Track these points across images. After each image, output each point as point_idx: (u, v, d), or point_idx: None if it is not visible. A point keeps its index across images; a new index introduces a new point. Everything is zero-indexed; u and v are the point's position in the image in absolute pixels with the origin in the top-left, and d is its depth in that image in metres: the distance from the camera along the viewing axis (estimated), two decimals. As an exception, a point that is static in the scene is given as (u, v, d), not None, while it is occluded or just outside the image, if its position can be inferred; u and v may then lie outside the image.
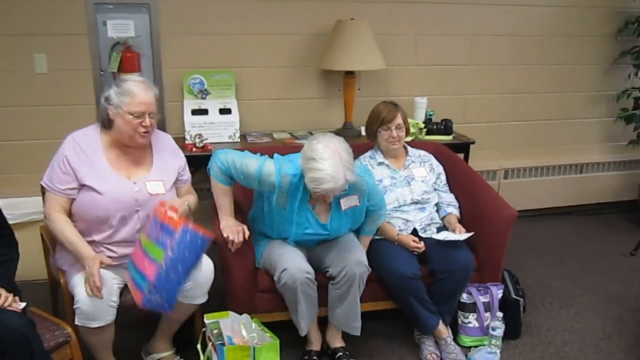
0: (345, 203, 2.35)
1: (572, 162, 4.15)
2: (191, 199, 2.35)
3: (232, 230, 2.26)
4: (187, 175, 2.39)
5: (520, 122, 4.02)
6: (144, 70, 3.27)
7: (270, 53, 3.43)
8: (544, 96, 4.02)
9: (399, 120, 2.70)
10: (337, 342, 2.50)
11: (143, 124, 2.10)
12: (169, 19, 3.23)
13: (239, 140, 3.27)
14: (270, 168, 2.25)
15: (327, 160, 2.09)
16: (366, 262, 2.37)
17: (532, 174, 4.08)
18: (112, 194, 2.09)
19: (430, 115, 3.64)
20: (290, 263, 2.27)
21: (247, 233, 2.27)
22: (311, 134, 3.44)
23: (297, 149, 2.98)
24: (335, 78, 3.51)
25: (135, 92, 2.09)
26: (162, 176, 2.22)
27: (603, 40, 3.99)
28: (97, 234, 2.11)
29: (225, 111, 3.28)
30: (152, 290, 1.92)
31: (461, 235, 2.56)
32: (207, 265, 2.21)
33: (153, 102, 2.14)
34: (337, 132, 3.39)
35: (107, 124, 2.15)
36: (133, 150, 2.20)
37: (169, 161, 2.29)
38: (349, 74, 3.39)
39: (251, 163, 2.27)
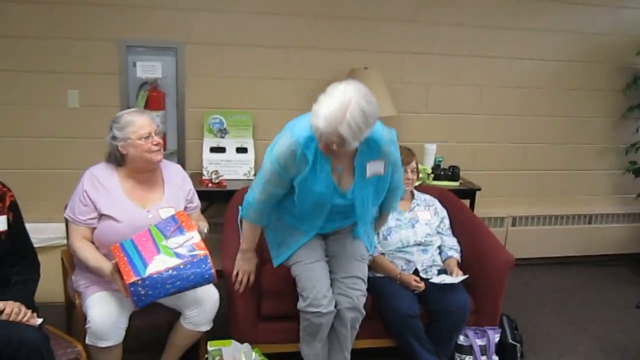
0: (371, 168, 2.19)
1: (580, 212, 4.21)
2: (204, 225, 2.49)
3: (244, 270, 2.39)
4: (196, 202, 2.52)
5: (529, 171, 4.12)
6: (168, 109, 3.50)
7: (287, 97, 3.62)
8: (553, 147, 4.12)
9: (414, 164, 2.85)
10: None
11: (153, 142, 2.27)
12: (194, 62, 3.46)
13: (253, 177, 3.42)
14: (282, 145, 2.13)
15: (333, 99, 1.91)
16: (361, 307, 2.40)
17: (540, 222, 4.15)
18: (129, 221, 2.25)
19: (440, 161, 3.76)
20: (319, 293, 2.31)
21: (252, 279, 2.40)
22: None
23: None
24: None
25: (134, 119, 2.27)
26: (173, 202, 2.37)
27: (612, 94, 4.11)
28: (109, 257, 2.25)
29: (241, 150, 3.46)
30: (145, 281, 1.96)
31: (457, 278, 2.64)
32: (213, 294, 2.33)
33: (152, 122, 2.32)
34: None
35: (120, 160, 2.32)
36: (146, 180, 2.36)
37: (178, 188, 2.44)
38: (361, 119, 3.55)
39: (266, 172, 2.22)
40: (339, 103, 1.89)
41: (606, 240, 4.28)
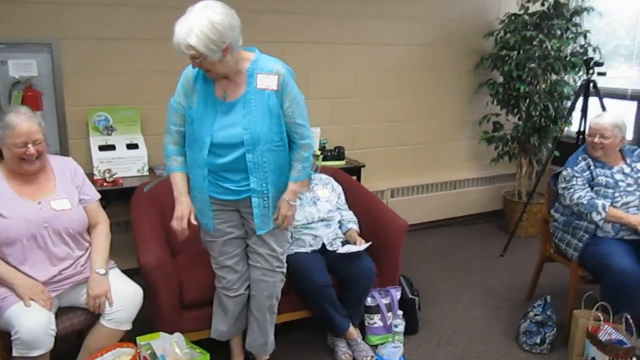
0: (262, 80, 2.22)
1: (446, 179, 4.72)
2: (102, 235, 2.43)
3: (180, 214, 2.31)
4: (92, 194, 2.45)
5: (402, 146, 4.53)
6: (47, 109, 3.31)
7: (173, 89, 3.60)
8: (420, 122, 4.57)
9: None
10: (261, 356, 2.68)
11: (27, 152, 2.19)
12: (71, 58, 3.31)
13: (147, 173, 3.40)
14: (184, 73, 2.30)
15: (184, 17, 2.04)
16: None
17: (414, 192, 4.59)
18: (18, 215, 2.18)
19: (324, 143, 4.01)
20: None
21: (193, 220, 2.31)
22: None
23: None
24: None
25: (15, 123, 2.17)
26: (66, 195, 2.33)
27: (465, 73, 4.65)
28: (11, 257, 2.17)
29: (132, 146, 3.40)
30: None
31: (361, 246, 2.89)
32: (136, 292, 2.33)
33: (36, 130, 2.21)
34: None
35: (1, 154, 2.23)
36: (34, 176, 2.28)
37: (69, 181, 2.38)
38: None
39: (168, 116, 2.34)
40: (186, 18, 2.04)
41: (470, 202, 4.86)
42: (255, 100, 2.22)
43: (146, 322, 2.50)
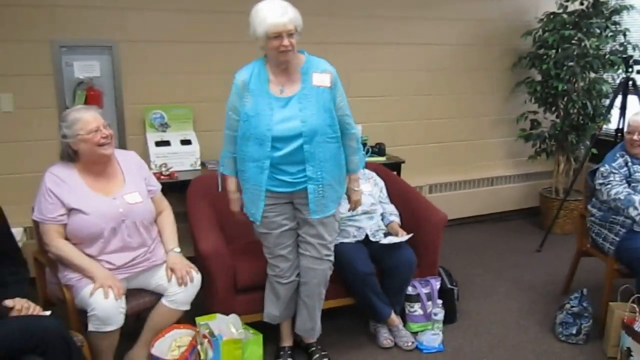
0: (317, 78, 2.44)
1: (483, 176, 4.82)
2: (169, 219, 2.67)
3: (234, 211, 2.69)
4: (156, 185, 2.68)
5: (438, 143, 4.65)
6: (107, 107, 3.54)
7: (224, 89, 3.74)
8: (456, 121, 4.68)
9: None
10: (309, 339, 2.86)
11: (102, 136, 2.38)
12: (130, 59, 3.55)
13: (199, 167, 3.61)
14: (234, 81, 2.49)
15: (267, 2, 2.33)
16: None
17: (451, 188, 4.70)
18: (97, 211, 2.38)
19: (365, 140, 4.15)
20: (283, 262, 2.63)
21: (242, 218, 2.66)
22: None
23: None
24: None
25: (81, 116, 2.37)
26: (136, 187, 2.53)
27: (502, 72, 4.73)
28: (92, 248, 2.38)
29: (186, 142, 3.62)
30: None
31: (403, 237, 3.03)
32: (195, 275, 2.53)
33: (99, 116, 2.42)
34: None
35: (73, 156, 2.42)
36: (104, 170, 2.48)
37: (136, 173, 2.59)
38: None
39: (227, 114, 2.53)
40: (270, 4, 2.32)
41: (506, 199, 4.94)
42: (311, 96, 2.42)
43: (200, 304, 2.70)
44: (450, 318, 3.14)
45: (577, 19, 4.30)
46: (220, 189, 2.78)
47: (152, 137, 3.58)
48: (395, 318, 3.00)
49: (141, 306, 2.50)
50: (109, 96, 3.57)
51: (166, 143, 3.56)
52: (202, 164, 3.66)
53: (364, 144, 4.12)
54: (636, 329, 2.65)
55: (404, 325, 3.03)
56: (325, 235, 2.61)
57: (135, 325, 2.58)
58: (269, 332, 2.77)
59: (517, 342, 3.00)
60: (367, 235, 3.09)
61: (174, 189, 3.37)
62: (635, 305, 2.75)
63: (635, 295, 2.77)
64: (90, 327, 2.24)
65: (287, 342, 2.84)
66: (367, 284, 2.89)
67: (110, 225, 2.40)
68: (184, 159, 3.57)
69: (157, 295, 2.51)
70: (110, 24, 3.47)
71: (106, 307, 2.23)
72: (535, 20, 4.55)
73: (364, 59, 4.22)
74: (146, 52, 3.59)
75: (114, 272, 2.39)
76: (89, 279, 2.32)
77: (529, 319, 3.24)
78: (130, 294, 2.45)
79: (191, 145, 3.61)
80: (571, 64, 4.29)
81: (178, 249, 2.57)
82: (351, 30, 4.12)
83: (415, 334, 3.02)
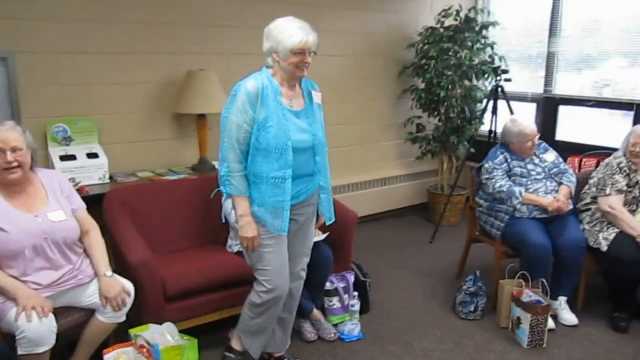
0: (316, 96, 2.57)
1: (378, 177, 5.19)
2: (98, 240, 2.60)
3: (249, 237, 2.46)
4: (79, 203, 2.63)
5: (338, 148, 4.92)
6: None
7: (129, 100, 3.79)
8: (352, 126, 5.00)
9: None
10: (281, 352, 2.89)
11: (5, 160, 2.30)
12: (28, 71, 3.40)
13: (108, 180, 3.55)
14: (246, 88, 2.37)
15: (292, 19, 2.41)
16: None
17: (349, 189, 5.01)
18: (18, 229, 2.31)
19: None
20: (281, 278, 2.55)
21: (257, 244, 2.49)
22: (171, 170, 3.86)
23: (164, 184, 3.45)
24: (188, 120, 3.99)
25: None
26: (59, 206, 2.49)
27: (390, 80, 5.14)
28: (14, 269, 2.31)
29: (92, 155, 3.54)
30: None
31: (320, 237, 3.24)
32: (129, 287, 2.54)
33: (14, 138, 2.31)
34: (194, 167, 3.90)
35: None
36: (25, 190, 2.42)
37: (59, 192, 2.54)
38: (201, 116, 3.90)
39: (228, 132, 2.39)
40: (297, 19, 2.42)
41: (399, 196, 5.36)
42: (314, 112, 2.55)
43: (131, 315, 2.69)
44: (364, 308, 3.41)
45: (452, 33, 4.82)
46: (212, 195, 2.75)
47: (56, 151, 3.46)
48: (317, 313, 3.20)
49: (71, 323, 2.45)
50: (4, 110, 3.39)
51: (71, 157, 3.46)
52: (111, 177, 3.60)
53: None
54: (523, 299, 3.09)
55: (325, 319, 3.24)
56: (311, 243, 2.77)
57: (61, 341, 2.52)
58: (203, 337, 2.83)
59: (425, 323, 3.34)
60: (286, 237, 3.26)
61: (86, 203, 3.29)
62: (521, 280, 3.20)
63: (520, 272, 3.23)
64: (20, 351, 2.18)
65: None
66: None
67: (32, 242, 2.34)
68: (92, 173, 3.49)
69: (89, 311, 2.49)
70: (4, 34, 3.31)
71: (37, 328, 2.19)
72: (416, 34, 5.01)
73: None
74: (45, 63, 3.46)
75: (40, 291, 2.33)
76: (12, 300, 2.25)
77: (432, 302, 3.60)
78: (59, 312, 2.39)
79: (98, 158, 3.54)
80: (449, 73, 4.79)
81: (110, 272, 2.52)
82: (253, 41, 4.25)
83: (335, 325, 3.24)
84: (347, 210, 3.41)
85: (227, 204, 2.99)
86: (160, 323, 2.64)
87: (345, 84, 4.86)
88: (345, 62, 4.82)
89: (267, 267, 2.53)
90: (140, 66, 3.79)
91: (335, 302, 3.29)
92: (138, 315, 2.71)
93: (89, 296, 2.48)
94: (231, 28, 4.14)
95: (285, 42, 2.36)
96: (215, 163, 4.00)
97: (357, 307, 3.27)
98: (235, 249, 3.22)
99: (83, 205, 2.65)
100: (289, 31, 2.36)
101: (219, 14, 4.06)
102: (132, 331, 2.55)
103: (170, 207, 3.36)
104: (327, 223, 2.71)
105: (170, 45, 3.88)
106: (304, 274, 2.77)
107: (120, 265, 2.78)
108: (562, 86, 4.98)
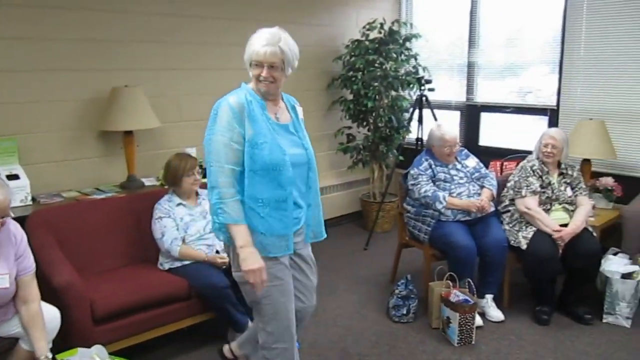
0: (299, 112, 2.41)
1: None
2: (39, 317, 2.36)
3: (256, 268, 2.15)
4: (29, 266, 2.41)
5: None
6: None
7: (52, 119, 3.67)
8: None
9: (197, 167, 3.33)
10: None
11: None
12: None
13: (31, 202, 3.42)
14: (223, 113, 2.17)
15: (264, 31, 2.20)
16: None
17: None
18: None
19: (201, 162, 4.29)
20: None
21: (264, 276, 2.19)
22: (98, 189, 3.78)
23: (91, 203, 3.37)
24: (115, 137, 3.91)
25: None
26: (7, 269, 2.32)
27: (320, 92, 5.23)
28: None
29: (12, 177, 3.40)
30: None
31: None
32: (54, 314, 2.46)
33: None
34: (122, 185, 3.83)
35: None
36: None
37: (13, 251, 2.36)
38: (128, 133, 3.84)
39: (216, 154, 2.16)
40: (271, 30, 2.20)
41: (334, 205, 5.43)
42: (301, 127, 2.37)
43: (58, 339, 2.61)
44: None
45: (377, 46, 4.97)
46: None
47: (-27, 174, 3.31)
48: (252, 325, 3.19)
49: (-5, 351, 2.36)
50: None
51: (-10, 179, 3.32)
52: (34, 199, 3.47)
53: (200, 166, 4.26)
54: (452, 300, 3.22)
55: (261, 331, 3.24)
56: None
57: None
58: (137, 358, 2.78)
59: (361, 329, 3.41)
60: (217, 251, 3.25)
61: (6, 227, 3.17)
62: (449, 282, 3.33)
63: (449, 273, 3.36)
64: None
65: None
66: (225, 296, 3.05)
67: None
68: (12, 195, 3.35)
69: (13, 339, 2.40)
70: None
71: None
72: (343, 46, 5.14)
73: (192, 83, 4.36)
74: (-42, 83, 3.32)
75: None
76: None
77: (368, 308, 3.68)
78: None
79: (19, 180, 3.40)
80: (376, 84, 4.94)
81: (50, 355, 2.37)
82: (180, 56, 4.24)
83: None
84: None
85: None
86: (89, 346, 2.57)
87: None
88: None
89: (274, 313, 2.29)
90: (63, 83, 3.69)
91: (270, 313, 3.30)
92: (66, 339, 2.63)
93: (13, 325, 2.39)
94: (159, 44, 4.10)
95: (246, 52, 2.24)
96: (145, 180, 3.96)
97: (292, 317, 3.29)
98: (167, 266, 3.20)
99: (32, 268, 2.44)
100: (251, 41, 2.22)
101: (145, 30, 4.02)
102: (60, 357, 2.47)
103: (98, 227, 3.29)
104: (322, 237, 2.52)
105: (94, 61, 3.80)
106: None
107: (45, 289, 2.69)
108: (485, 94, 5.23)
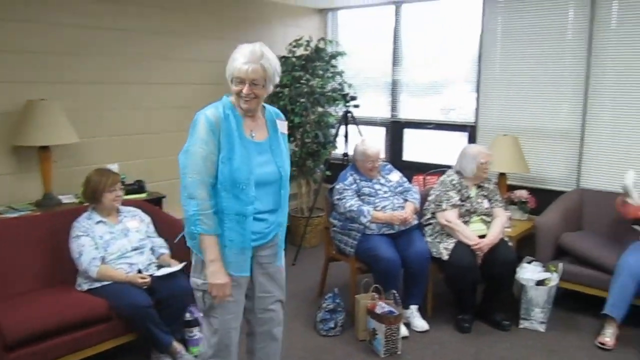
0: (281, 126, 2.40)
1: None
2: None
3: (220, 283, 2.23)
4: None
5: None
6: None
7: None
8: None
9: (119, 183, 3.24)
10: None
11: None
12: None
13: None
14: (206, 117, 2.21)
15: (246, 46, 2.21)
16: None
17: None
18: None
19: (123, 178, 4.16)
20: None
21: (229, 292, 2.26)
22: (12, 208, 3.58)
23: (3, 223, 3.22)
24: (29, 153, 3.73)
25: None
26: None
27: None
28: None
29: None
30: None
31: (176, 267, 3.19)
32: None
33: None
34: (38, 203, 3.66)
35: None
36: None
37: None
38: (44, 148, 3.67)
39: (192, 165, 2.20)
40: (253, 46, 2.20)
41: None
42: (279, 142, 2.36)
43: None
44: (227, 335, 3.38)
45: (304, 62, 5.04)
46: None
47: None
48: (177, 345, 3.11)
49: None
50: None
51: None
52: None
53: (123, 182, 4.13)
54: (377, 311, 3.28)
55: (186, 350, 3.17)
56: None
57: None
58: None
59: (289, 343, 3.38)
60: (140, 270, 3.16)
61: None
62: (375, 294, 3.39)
63: (374, 286, 3.42)
64: None
65: None
66: (148, 316, 2.96)
67: None
68: None
69: None
70: None
71: None
72: (269, 63, 5.16)
73: (116, 97, 4.25)
74: None
75: None
76: None
77: (296, 322, 3.68)
78: None
79: None
80: (303, 100, 4.99)
81: None
82: (101, 69, 4.12)
83: (197, 356, 3.18)
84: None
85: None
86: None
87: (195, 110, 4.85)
88: (198, 91, 4.83)
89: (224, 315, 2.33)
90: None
91: (195, 332, 3.24)
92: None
93: None
94: (78, 57, 3.98)
95: (227, 68, 2.25)
96: (63, 197, 3.79)
97: (219, 336, 3.23)
98: (86, 287, 3.07)
99: None
100: (234, 57, 2.22)
101: (65, 42, 3.88)
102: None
103: (11, 247, 3.13)
104: (279, 263, 2.50)
105: (7, 73, 3.62)
106: (274, 310, 2.57)
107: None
108: (409, 111, 5.40)
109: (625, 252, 3.49)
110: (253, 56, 2.18)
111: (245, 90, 2.20)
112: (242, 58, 2.19)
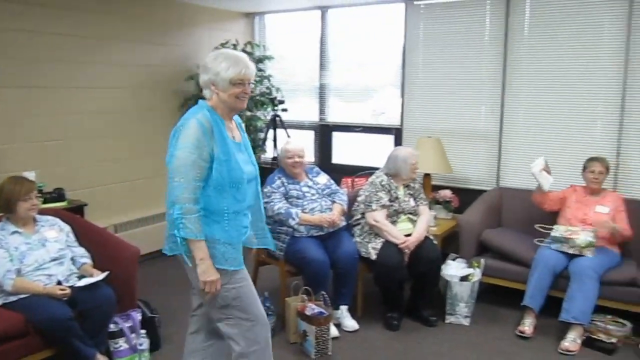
0: (243, 129, 2.57)
1: (163, 211, 5.07)
2: None
3: (212, 279, 2.28)
4: None
5: (122, 183, 4.74)
6: None
7: None
8: (136, 161, 4.87)
9: (35, 191, 3.10)
10: None
11: None
12: None
13: None
14: (198, 122, 2.23)
15: (227, 52, 2.34)
16: None
17: (139, 224, 4.83)
18: None
19: (41, 186, 3.98)
20: None
21: (219, 287, 2.31)
22: None
23: None
24: None
25: None
26: None
27: (171, 112, 5.11)
28: None
29: None
30: None
31: (98, 277, 3.08)
32: None
33: None
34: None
35: None
36: None
37: None
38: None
39: (187, 162, 2.20)
40: (235, 51, 2.38)
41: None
42: (248, 143, 2.53)
43: None
44: (155, 345, 3.30)
45: (231, 66, 4.99)
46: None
47: None
48: (101, 357, 2.99)
49: None
50: None
51: None
52: None
53: (41, 190, 3.95)
54: (307, 313, 3.29)
55: (111, 363, 3.06)
56: None
57: None
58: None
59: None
60: (59, 282, 3.02)
61: None
62: (304, 296, 3.40)
63: (304, 288, 3.43)
64: None
65: None
66: (68, 329, 2.83)
67: None
68: None
69: None
70: None
71: None
72: (195, 66, 5.09)
73: (35, 103, 4.05)
74: None
75: None
76: None
77: (225, 329, 3.62)
78: None
79: None
80: (231, 104, 4.95)
81: None
82: (11, 74, 3.92)
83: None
84: (126, 246, 3.31)
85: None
86: None
87: (126, 117, 4.74)
88: (125, 95, 4.71)
89: (247, 307, 2.39)
90: None
91: (121, 343, 3.13)
92: None
93: None
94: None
95: (224, 73, 2.27)
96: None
97: (145, 346, 3.15)
98: (0, 301, 2.90)
99: None
100: (227, 62, 2.28)
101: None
102: None
103: None
104: (268, 246, 2.74)
105: None
106: None
107: None
108: (338, 115, 5.47)
109: (541, 247, 3.69)
110: (247, 59, 2.34)
111: (247, 90, 2.34)
112: (242, 62, 2.30)
